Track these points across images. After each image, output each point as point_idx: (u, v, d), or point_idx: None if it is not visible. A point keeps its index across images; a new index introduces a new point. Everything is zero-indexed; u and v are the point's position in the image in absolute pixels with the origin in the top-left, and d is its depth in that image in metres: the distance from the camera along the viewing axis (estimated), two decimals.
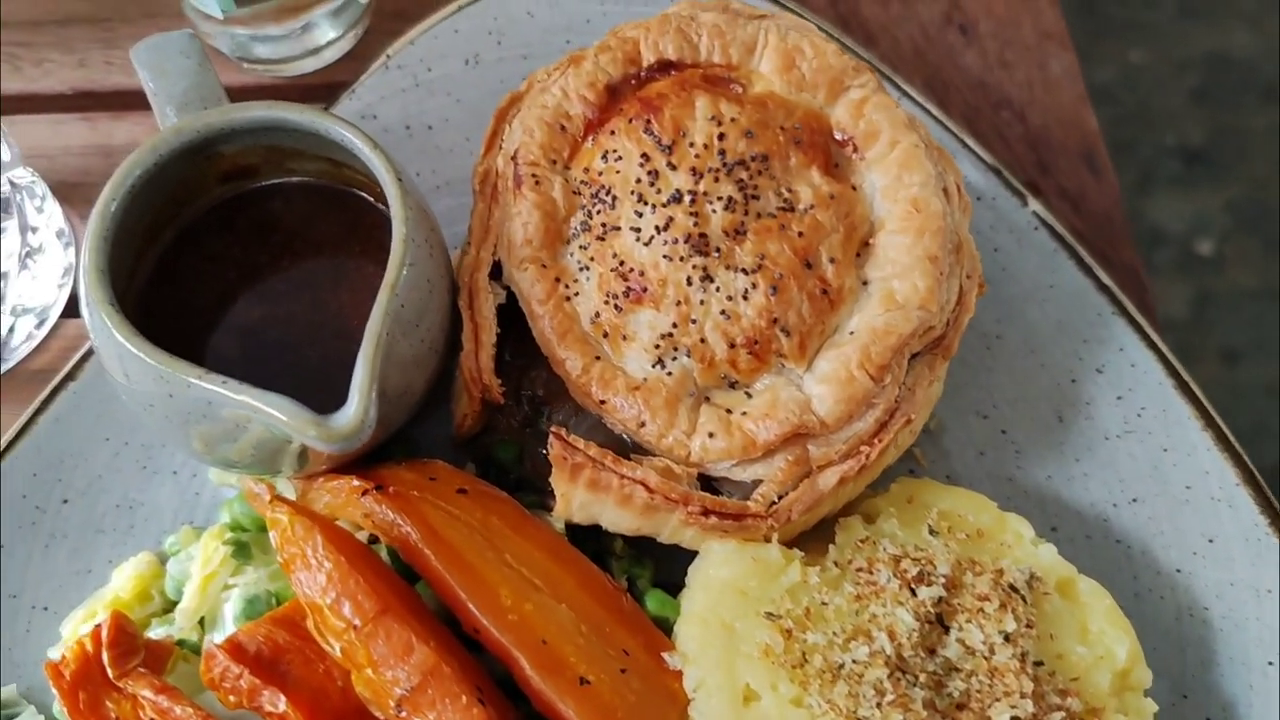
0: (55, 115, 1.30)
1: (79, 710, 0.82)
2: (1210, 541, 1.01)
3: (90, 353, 1.09)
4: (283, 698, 0.79)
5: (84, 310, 0.91)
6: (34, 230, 1.11)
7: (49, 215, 1.16)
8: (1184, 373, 1.07)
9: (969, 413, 1.10)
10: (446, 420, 1.07)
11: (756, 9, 1.05)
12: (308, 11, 1.26)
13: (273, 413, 0.82)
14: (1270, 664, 0.96)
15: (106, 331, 0.87)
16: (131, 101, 1.32)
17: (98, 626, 0.87)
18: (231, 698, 0.82)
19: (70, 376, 1.07)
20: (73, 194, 1.25)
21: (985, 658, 0.86)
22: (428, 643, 0.81)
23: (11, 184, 1.08)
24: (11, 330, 1.13)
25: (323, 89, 1.29)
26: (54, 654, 0.98)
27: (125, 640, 0.87)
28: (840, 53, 1.00)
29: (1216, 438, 1.04)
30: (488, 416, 1.03)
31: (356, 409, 0.82)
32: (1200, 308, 3.83)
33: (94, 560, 1.03)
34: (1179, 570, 1.01)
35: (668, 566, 0.99)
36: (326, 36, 1.30)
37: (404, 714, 0.79)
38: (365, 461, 0.98)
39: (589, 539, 0.98)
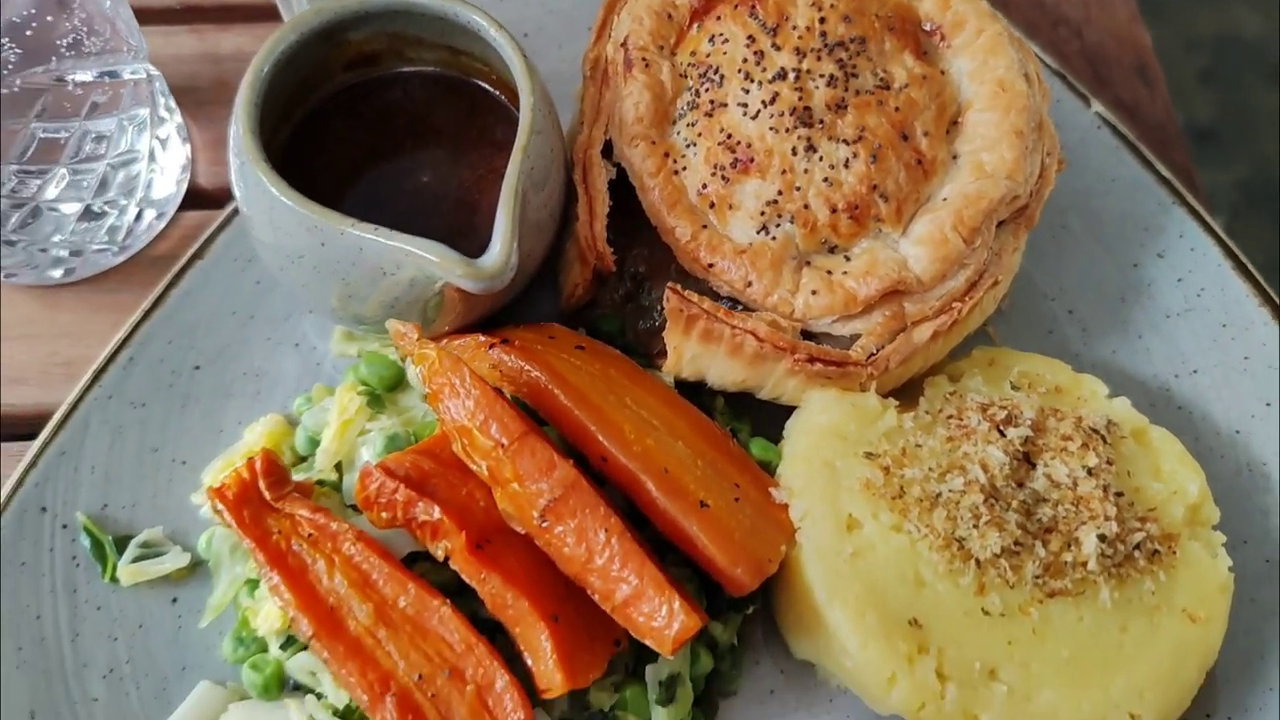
0: (165, 27, 1.38)
1: (245, 524, 0.90)
2: (1267, 405, 1.09)
3: (215, 234, 1.16)
4: (437, 507, 0.87)
5: (235, 171, 0.98)
6: (162, 122, 1.19)
7: (174, 112, 1.23)
8: (1241, 255, 1.15)
9: (1038, 295, 1.18)
10: (553, 297, 1.14)
11: None
12: None
13: (426, 255, 0.89)
14: None
15: (261, 187, 0.95)
16: (234, 15, 1.41)
17: (251, 459, 0.94)
18: (384, 514, 0.89)
19: (198, 255, 1.15)
20: (185, 98, 1.32)
21: (1070, 489, 0.93)
22: (568, 459, 0.88)
23: (148, 74, 1.15)
24: (138, 218, 1.20)
25: None
26: (195, 499, 1.05)
27: (277, 470, 0.94)
28: None
29: (1274, 312, 1.12)
30: (595, 289, 1.11)
31: (501, 250, 0.89)
32: None
33: (225, 421, 1.10)
34: (1238, 431, 1.09)
35: (763, 425, 1.07)
36: None
37: (546, 523, 0.87)
38: (484, 327, 1.05)
39: (692, 398, 1.06)
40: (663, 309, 1.03)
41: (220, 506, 0.91)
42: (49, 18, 0.97)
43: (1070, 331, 1.16)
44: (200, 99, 1.33)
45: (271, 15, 1.38)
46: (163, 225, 1.24)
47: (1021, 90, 1.02)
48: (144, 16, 1.36)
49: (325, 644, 0.85)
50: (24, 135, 1.02)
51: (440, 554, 0.88)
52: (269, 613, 0.92)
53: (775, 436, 1.05)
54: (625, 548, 0.86)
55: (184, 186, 1.26)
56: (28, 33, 0.96)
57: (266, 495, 0.92)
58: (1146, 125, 1.33)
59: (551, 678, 0.85)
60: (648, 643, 0.86)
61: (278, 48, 1.00)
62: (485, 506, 0.90)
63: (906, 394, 1.05)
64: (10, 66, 0.96)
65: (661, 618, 0.85)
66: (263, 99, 0.98)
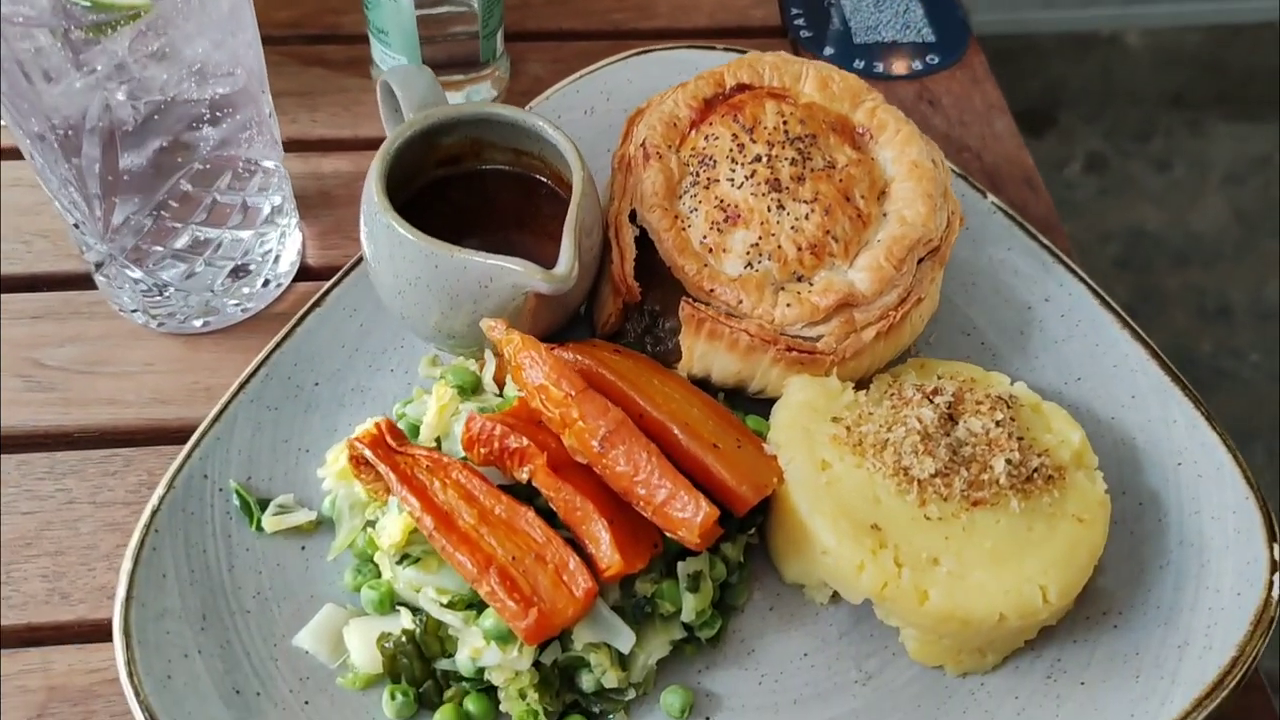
0: None
1: (380, 456, 1.20)
2: (1133, 397, 1.44)
3: (330, 290, 1.51)
4: (524, 437, 1.18)
5: (365, 219, 1.34)
6: (289, 214, 1.56)
7: (294, 209, 1.61)
8: (1105, 295, 1.53)
9: (956, 333, 1.54)
10: (588, 333, 1.49)
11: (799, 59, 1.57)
12: (468, 86, 1.78)
13: (515, 268, 1.25)
14: (1179, 464, 1.37)
15: (388, 228, 1.30)
16: (329, 145, 1.81)
17: (376, 423, 1.26)
18: (483, 449, 1.20)
19: (317, 304, 1.49)
20: (298, 203, 1.71)
21: (984, 435, 1.27)
22: (617, 406, 1.21)
23: (281, 170, 1.53)
24: (264, 285, 1.56)
25: None
26: (320, 473, 1.35)
27: (394, 430, 1.26)
28: (859, 79, 1.51)
29: (1132, 334, 1.49)
30: (622, 320, 1.46)
31: (567, 261, 1.25)
32: None
33: (339, 423, 1.42)
34: (1112, 418, 1.43)
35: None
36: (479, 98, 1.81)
37: (602, 450, 1.18)
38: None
39: None
40: (672, 339, 1.39)
41: (360, 448, 1.22)
42: (239, 115, 1.36)
43: (983, 358, 1.52)
44: (309, 204, 1.71)
45: (355, 146, 1.80)
46: (279, 293, 1.60)
47: (929, 167, 1.42)
48: None
49: (443, 534, 1.15)
50: (207, 201, 1.39)
51: (524, 476, 1.19)
52: (390, 532, 1.22)
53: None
54: (661, 464, 1.18)
55: (296, 266, 1.63)
56: (225, 123, 1.35)
57: (392, 443, 1.24)
58: (1033, 218, 1.74)
59: (611, 559, 1.15)
60: (679, 534, 1.17)
61: (398, 138, 1.39)
62: (555, 447, 1.22)
63: (858, 389, 1.40)
64: (211, 144, 1.34)
65: (689, 510, 1.16)
66: (388, 172, 1.36)
